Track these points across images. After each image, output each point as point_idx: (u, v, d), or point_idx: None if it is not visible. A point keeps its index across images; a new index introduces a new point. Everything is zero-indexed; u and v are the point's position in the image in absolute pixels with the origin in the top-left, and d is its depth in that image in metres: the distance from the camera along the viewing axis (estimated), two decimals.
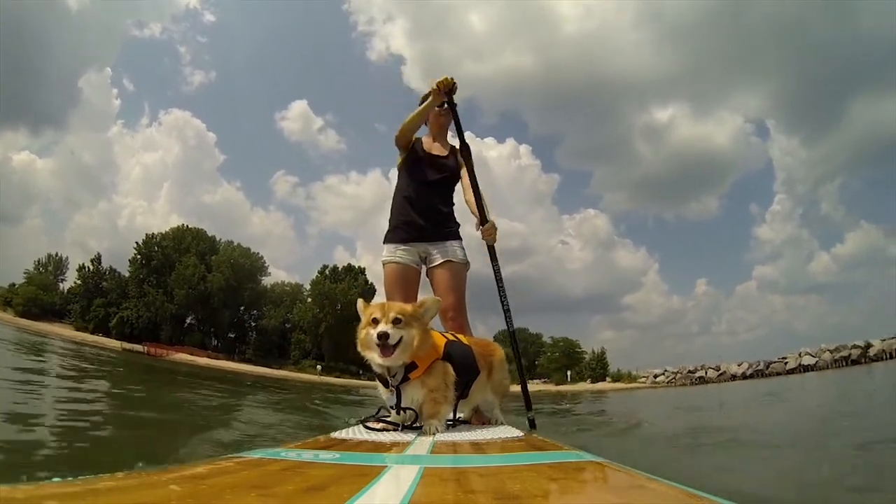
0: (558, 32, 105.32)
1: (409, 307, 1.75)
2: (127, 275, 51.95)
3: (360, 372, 52.54)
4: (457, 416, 1.91)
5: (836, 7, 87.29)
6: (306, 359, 52.88)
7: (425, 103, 2.83)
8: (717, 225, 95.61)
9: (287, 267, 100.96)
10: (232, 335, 55.06)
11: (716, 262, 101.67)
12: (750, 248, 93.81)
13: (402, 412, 1.74)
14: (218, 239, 55.64)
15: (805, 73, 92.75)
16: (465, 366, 1.87)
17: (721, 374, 42.37)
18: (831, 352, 38.19)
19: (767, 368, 41.25)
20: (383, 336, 1.61)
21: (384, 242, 2.88)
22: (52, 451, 2.24)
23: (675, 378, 50.34)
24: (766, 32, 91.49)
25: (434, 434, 1.61)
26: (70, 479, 0.69)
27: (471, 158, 2.92)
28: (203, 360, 41.52)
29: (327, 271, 55.50)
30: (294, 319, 54.83)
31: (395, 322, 1.67)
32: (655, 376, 52.55)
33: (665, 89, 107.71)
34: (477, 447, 1.43)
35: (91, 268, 52.21)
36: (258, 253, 56.80)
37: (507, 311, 2.83)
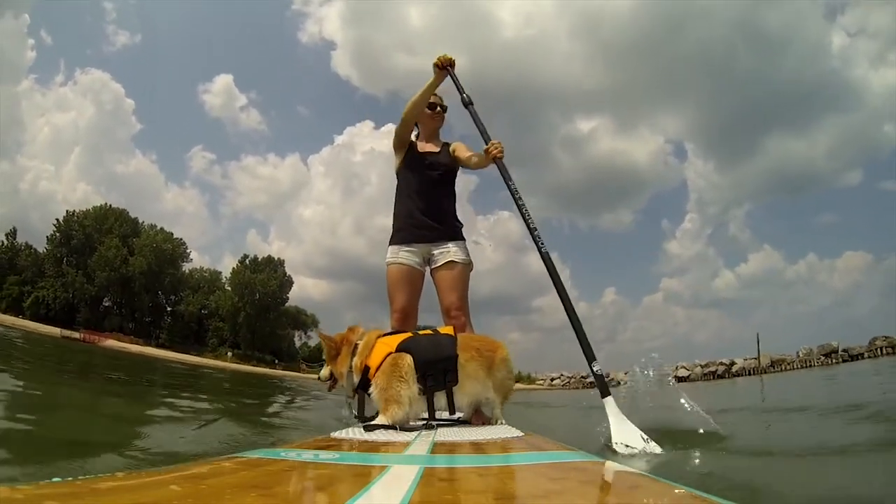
0: (495, 36, 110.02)
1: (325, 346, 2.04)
2: (43, 252, 48.53)
3: (276, 361, 54.95)
4: (453, 405, 1.92)
5: (765, 49, 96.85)
6: (223, 346, 53.55)
7: (430, 80, 2.87)
8: (630, 237, 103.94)
9: (199, 248, 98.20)
10: (148, 320, 53.52)
11: (625, 272, 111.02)
12: (659, 262, 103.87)
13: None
14: (140, 221, 53.89)
15: (728, 105, 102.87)
16: (426, 351, 1.88)
17: (609, 380, 45.86)
18: (702, 367, 44.27)
19: None
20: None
21: (389, 244, 2.89)
22: None
23: (569, 382, 55.19)
24: (697, 61, 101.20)
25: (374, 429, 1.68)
26: (70, 479, 0.66)
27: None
28: (135, 348, 39.82)
29: (247, 261, 56.32)
30: (212, 307, 54.76)
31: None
32: (552, 379, 57.31)
33: (591, 102, 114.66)
34: (477, 447, 1.46)
35: (5, 243, 48.26)
36: (181, 239, 55.87)
37: (533, 231, 2.67)
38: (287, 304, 58.41)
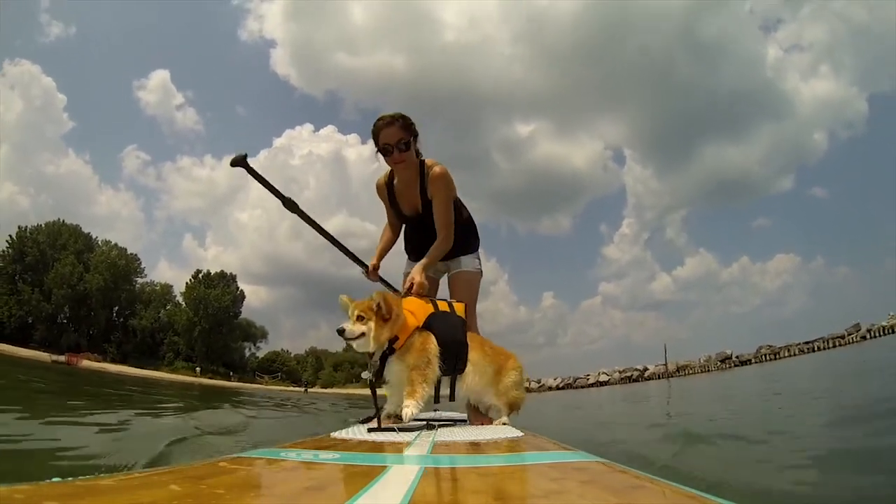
0: (437, 38, 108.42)
1: (366, 303, 1.87)
2: None
3: (231, 374, 56.65)
4: (454, 391, 1.96)
5: (703, 58, 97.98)
6: (178, 359, 54.98)
7: None
8: (568, 241, 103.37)
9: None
10: (102, 335, 53.57)
11: (564, 276, 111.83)
12: (597, 266, 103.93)
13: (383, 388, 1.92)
14: (94, 237, 54.60)
15: (666, 112, 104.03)
16: (448, 334, 1.93)
17: (541, 386, 49.51)
18: (620, 372, 48.35)
19: (575, 382, 49.65)
20: (339, 332, 1.85)
21: (407, 259, 2.97)
22: None
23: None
24: (637, 69, 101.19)
25: (408, 418, 1.73)
26: (70, 479, 0.67)
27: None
28: (114, 368, 40.14)
29: (201, 276, 57.99)
30: (164, 321, 56.34)
31: (360, 318, 1.85)
32: None
33: (531, 106, 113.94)
34: (477, 447, 1.46)
35: None
36: (135, 254, 57.00)
37: None
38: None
